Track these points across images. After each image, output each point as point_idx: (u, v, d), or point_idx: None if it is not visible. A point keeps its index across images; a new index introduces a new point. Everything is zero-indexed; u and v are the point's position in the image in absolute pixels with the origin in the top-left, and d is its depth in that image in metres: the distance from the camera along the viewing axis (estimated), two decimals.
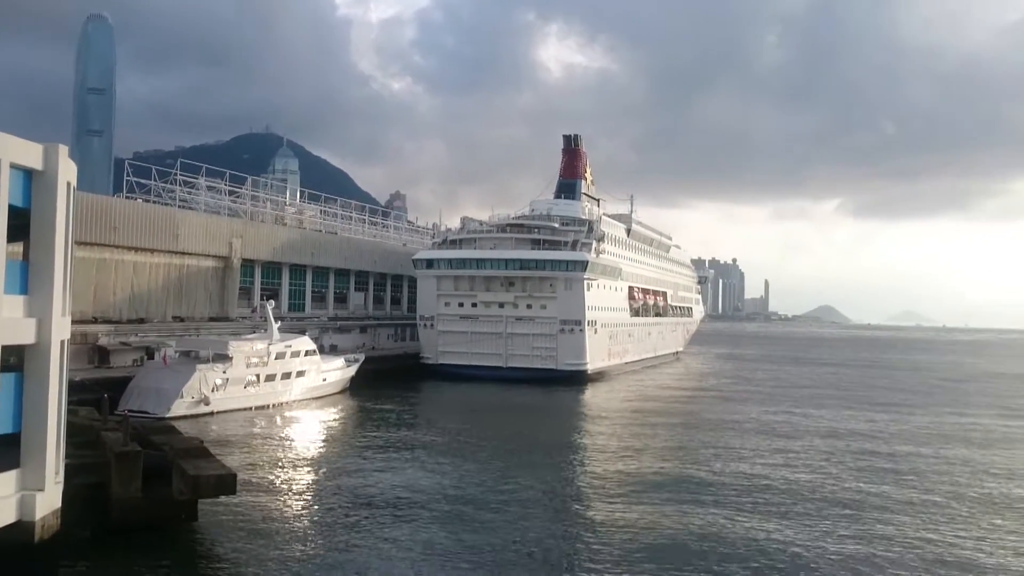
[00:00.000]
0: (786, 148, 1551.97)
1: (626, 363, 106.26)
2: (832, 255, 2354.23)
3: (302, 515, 31.56)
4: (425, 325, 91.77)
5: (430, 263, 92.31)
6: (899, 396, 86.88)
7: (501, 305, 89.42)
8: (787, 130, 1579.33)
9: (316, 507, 32.77)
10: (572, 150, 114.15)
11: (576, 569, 26.11)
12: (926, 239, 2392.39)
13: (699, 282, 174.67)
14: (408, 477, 38.59)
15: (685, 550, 27.97)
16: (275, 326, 63.75)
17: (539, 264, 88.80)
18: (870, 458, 47.32)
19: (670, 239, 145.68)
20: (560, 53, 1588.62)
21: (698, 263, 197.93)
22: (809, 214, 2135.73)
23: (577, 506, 34.48)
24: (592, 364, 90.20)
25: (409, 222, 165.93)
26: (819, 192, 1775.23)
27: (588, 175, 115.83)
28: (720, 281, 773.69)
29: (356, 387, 72.06)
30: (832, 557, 27.76)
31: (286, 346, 63.02)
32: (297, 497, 34.45)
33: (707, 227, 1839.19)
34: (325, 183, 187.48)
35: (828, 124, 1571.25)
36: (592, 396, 78.43)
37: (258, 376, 59.69)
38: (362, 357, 76.20)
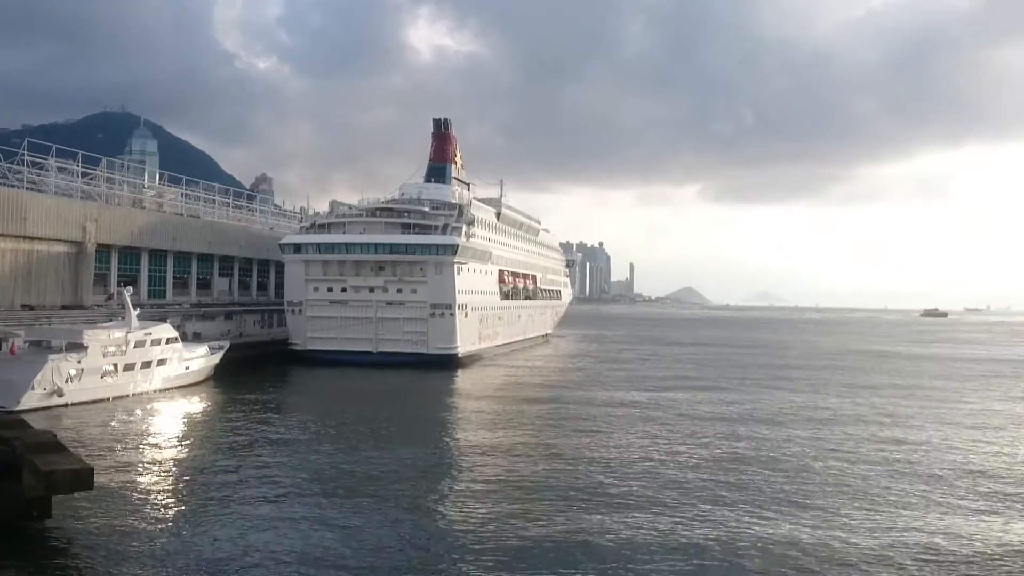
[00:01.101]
0: (650, 134, 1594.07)
1: (497, 346, 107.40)
2: (694, 238, 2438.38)
3: (163, 510, 30.65)
4: (293, 311, 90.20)
5: (298, 248, 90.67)
6: (757, 373, 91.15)
7: (371, 290, 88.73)
8: (651, 117, 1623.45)
9: (177, 502, 31.86)
10: (442, 134, 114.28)
11: (442, 566, 25.91)
12: (780, 223, 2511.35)
13: (567, 265, 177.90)
14: (273, 470, 37.86)
15: (549, 543, 27.54)
16: (133, 314, 61.54)
17: (409, 248, 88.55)
18: (730, 439, 48.82)
19: (539, 223, 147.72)
20: (430, 36, 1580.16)
21: (566, 247, 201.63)
22: (672, 199, 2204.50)
23: (446, 500, 34.12)
24: (463, 348, 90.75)
25: (276, 206, 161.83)
26: (681, 177, 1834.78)
27: (458, 159, 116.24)
28: (587, 264, 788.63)
29: (221, 375, 70.33)
30: (679, 542, 28.75)
31: (145, 334, 60.88)
32: (158, 491, 33.39)
33: (576, 212, 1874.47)
34: (186, 165, 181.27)
35: (690, 111, 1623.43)
36: (463, 380, 79.06)
37: (116, 365, 57.48)
38: (227, 344, 74.36)
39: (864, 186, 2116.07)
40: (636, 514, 30.79)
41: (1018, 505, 33.87)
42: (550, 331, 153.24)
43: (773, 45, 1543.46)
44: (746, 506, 32.32)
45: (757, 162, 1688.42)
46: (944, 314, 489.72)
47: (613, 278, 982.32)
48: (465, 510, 31.26)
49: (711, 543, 27.58)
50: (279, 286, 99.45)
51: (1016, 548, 27.86)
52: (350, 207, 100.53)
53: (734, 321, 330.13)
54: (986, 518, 31.66)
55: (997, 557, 26.91)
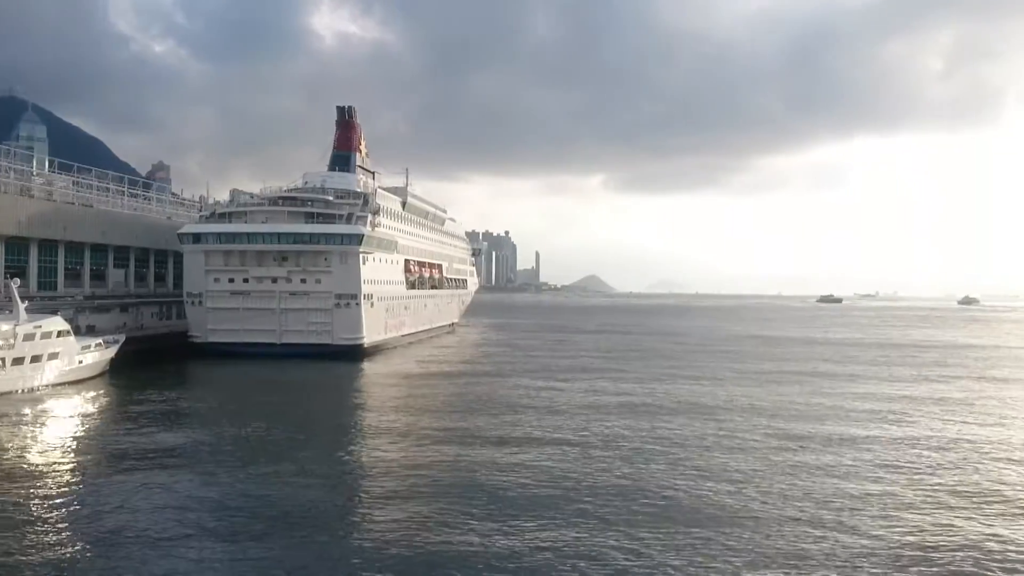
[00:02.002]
0: (555, 124, 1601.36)
1: (403, 336, 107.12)
2: (597, 228, 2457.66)
3: (53, 512, 29.60)
4: (193, 302, 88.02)
5: (197, 237, 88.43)
6: (659, 361, 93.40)
7: (274, 280, 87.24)
8: (555, 107, 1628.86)
9: (69, 503, 30.82)
10: (346, 122, 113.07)
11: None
12: (682, 212, 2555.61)
13: (473, 254, 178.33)
14: (171, 472, 36.28)
15: (451, 548, 26.43)
16: (22, 306, 59.09)
17: (313, 238, 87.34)
18: (632, 429, 49.53)
19: (445, 212, 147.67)
20: (334, 22, 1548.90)
21: (473, 236, 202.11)
22: (576, 188, 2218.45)
23: (352, 503, 33.29)
24: (369, 338, 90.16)
25: (174, 194, 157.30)
26: (585, 168, 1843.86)
27: (363, 147, 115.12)
28: (494, 253, 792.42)
29: (118, 369, 68.25)
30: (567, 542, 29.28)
31: (35, 327, 58.72)
32: (48, 493, 32.18)
33: (482, 201, 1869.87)
34: (78, 152, 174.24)
35: (593, 102, 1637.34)
36: (369, 371, 78.64)
37: (3, 360, 55.33)
38: (122, 337, 72.19)
39: (763, 176, 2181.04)
40: (542, 512, 30.30)
41: (901, 474, 36.00)
42: (456, 320, 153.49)
43: (677, 37, 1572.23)
44: (641, 497, 32.90)
45: (660, 153, 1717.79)
46: (839, 300, 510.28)
47: (519, 267, 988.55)
48: (373, 515, 30.38)
49: (612, 535, 28.19)
50: (178, 277, 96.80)
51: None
52: (252, 196, 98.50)
53: (637, 309, 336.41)
54: (871, 486, 33.47)
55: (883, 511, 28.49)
